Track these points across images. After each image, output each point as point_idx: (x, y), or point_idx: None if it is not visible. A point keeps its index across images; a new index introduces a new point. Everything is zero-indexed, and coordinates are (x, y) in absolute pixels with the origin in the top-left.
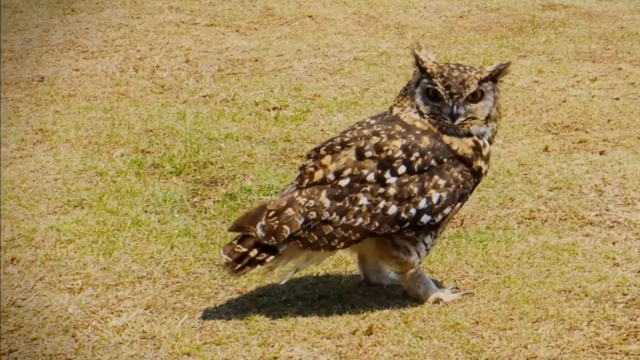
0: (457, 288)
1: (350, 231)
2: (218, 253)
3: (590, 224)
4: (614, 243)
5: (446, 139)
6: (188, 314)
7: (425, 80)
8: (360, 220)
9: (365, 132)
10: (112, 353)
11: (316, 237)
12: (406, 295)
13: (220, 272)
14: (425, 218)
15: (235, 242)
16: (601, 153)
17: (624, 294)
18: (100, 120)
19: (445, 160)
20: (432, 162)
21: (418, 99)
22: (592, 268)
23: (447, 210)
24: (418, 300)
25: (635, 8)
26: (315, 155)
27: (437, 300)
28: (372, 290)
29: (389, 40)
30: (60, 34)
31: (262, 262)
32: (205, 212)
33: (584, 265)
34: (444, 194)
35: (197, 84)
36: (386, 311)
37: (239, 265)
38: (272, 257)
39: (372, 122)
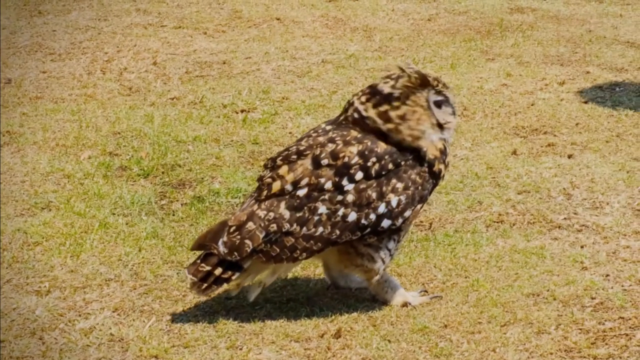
0: (425, 291)
1: (312, 241)
2: (186, 256)
3: (559, 227)
4: (582, 247)
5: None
6: (156, 316)
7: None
8: (320, 229)
9: (321, 139)
10: (80, 356)
11: (278, 250)
12: (374, 298)
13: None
14: (385, 222)
15: (198, 261)
16: (569, 156)
17: (592, 298)
18: (67, 122)
19: (402, 163)
20: (390, 166)
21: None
22: (561, 272)
23: (407, 213)
24: (386, 303)
25: (603, 11)
26: (272, 165)
27: (405, 304)
28: (341, 293)
29: (357, 43)
30: (27, 36)
31: (227, 280)
32: (173, 215)
33: (552, 269)
34: (402, 197)
35: (165, 87)
36: (354, 314)
37: (205, 285)
38: (237, 274)
39: (328, 127)
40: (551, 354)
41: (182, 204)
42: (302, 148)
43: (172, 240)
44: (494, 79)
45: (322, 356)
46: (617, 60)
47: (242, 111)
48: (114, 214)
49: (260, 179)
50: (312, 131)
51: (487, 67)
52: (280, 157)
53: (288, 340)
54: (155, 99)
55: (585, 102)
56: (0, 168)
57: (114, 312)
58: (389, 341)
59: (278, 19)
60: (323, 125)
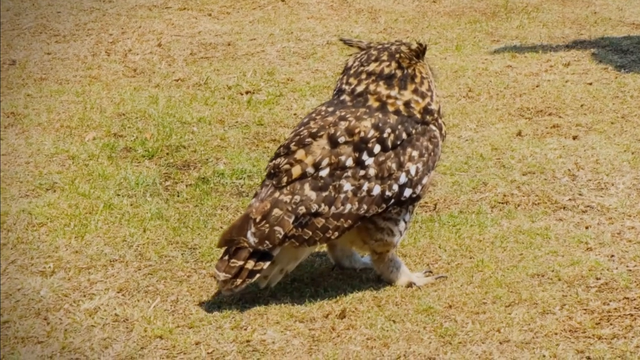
0: (430, 272)
1: (342, 219)
2: (191, 236)
3: (563, 208)
4: (586, 227)
5: None
6: (160, 297)
7: None
8: (348, 206)
9: (330, 119)
10: (85, 336)
11: (310, 232)
12: (379, 279)
13: (192, 255)
14: (407, 192)
15: (226, 257)
16: (574, 138)
17: (597, 278)
18: (72, 103)
19: (413, 131)
20: (404, 135)
21: None
22: (565, 252)
23: (424, 180)
24: (391, 284)
25: None
26: (286, 152)
27: (410, 284)
28: (345, 273)
29: (361, 25)
30: (31, 18)
31: (259, 271)
32: (178, 196)
33: (557, 250)
34: (419, 165)
35: (170, 68)
36: (359, 295)
37: (240, 280)
38: (267, 263)
39: (331, 108)
40: (556, 334)
41: (186, 185)
42: (313, 130)
43: (177, 221)
44: (499, 61)
45: (326, 336)
46: (622, 42)
47: (246, 92)
48: (118, 195)
49: (276, 167)
50: (313, 114)
51: (492, 49)
52: (294, 142)
53: (292, 320)
54: (159, 81)
55: (590, 84)
56: (5, 149)
57: (118, 292)
58: (394, 321)
59: (283, 1)
60: (323, 107)
